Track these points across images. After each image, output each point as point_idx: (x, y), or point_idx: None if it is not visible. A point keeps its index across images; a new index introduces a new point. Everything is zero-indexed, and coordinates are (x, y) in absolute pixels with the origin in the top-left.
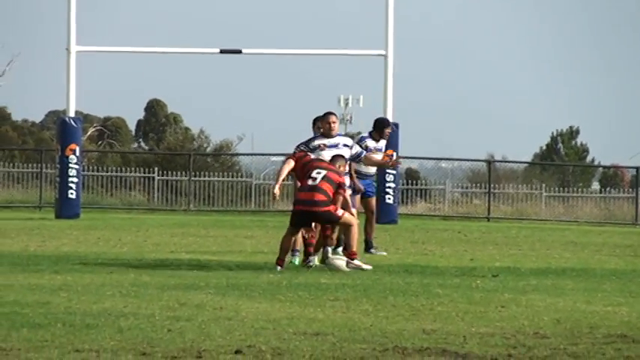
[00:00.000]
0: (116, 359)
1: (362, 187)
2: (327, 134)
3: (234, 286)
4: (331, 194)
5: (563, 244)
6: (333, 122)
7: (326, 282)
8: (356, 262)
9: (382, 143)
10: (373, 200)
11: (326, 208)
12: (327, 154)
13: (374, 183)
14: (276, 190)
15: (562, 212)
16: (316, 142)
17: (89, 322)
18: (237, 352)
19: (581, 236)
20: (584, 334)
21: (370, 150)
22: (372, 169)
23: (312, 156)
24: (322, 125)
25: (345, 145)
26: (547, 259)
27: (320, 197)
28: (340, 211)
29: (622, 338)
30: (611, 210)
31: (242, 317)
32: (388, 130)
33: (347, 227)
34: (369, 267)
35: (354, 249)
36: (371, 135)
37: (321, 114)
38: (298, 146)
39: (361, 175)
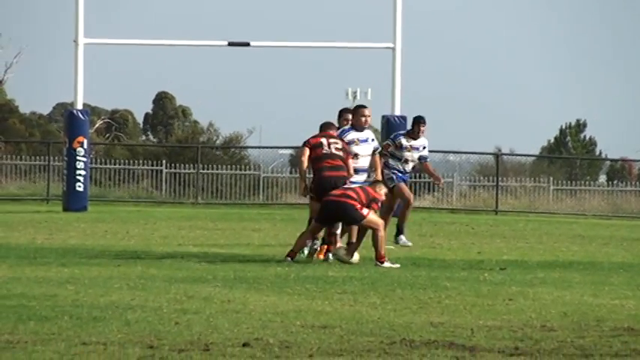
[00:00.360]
0: (123, 352)
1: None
2: (360, 128)
3: (241, 278)
4: (363, 199)
5: (570, 237)
6: (368, 116)
7: (334, 275)
8: (386, 264)
9: (420, 142)
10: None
11: (354, 202)
12: (360, 150)
13: (408, 179)
14: (303, 187)
15: (570, 205)
16: (349, 137)
17: (96, 315)
18: (244, 344)
19: (588, 229)
20: (591, 327)
21: (405, 147)
22: (409, 167)
23: (325, 149)
24: (355, 119)
25: (373, 140)
26: (554, 252)
27: (350, 193)
28: (366, 211)
29: (629, 331)
30: (618, 203)
31: (250, 310)
32: (417, 127)
33: (373, 231)
34: (397, 265)
35: (382, 252)
36: (408, 132)
37: (344, 107)
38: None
39: (400, 172)
